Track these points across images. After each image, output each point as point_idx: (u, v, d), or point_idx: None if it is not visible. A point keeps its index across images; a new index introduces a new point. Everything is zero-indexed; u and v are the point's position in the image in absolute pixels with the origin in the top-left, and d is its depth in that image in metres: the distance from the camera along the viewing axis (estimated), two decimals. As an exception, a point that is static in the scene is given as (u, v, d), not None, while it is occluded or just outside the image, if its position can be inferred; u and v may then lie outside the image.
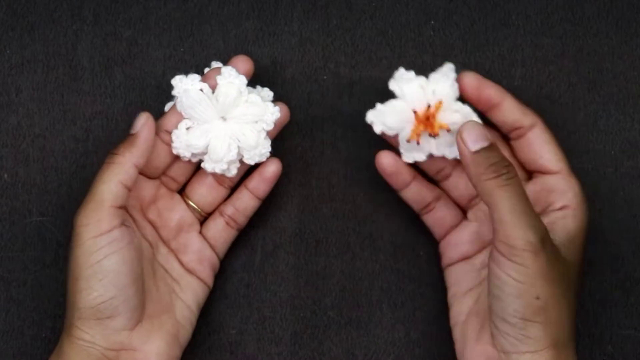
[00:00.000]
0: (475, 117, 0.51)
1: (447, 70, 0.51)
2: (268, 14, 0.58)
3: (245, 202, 0.54)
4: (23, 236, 0.56)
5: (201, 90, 0.51)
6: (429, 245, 0.56)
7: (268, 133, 0.52)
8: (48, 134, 0.57)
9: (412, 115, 0.51)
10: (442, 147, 0.52)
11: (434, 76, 0.51)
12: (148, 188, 0.53)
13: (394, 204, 0.56)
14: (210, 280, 0.54)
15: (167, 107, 0.55)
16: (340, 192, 0.57)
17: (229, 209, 0.55)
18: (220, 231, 0.55)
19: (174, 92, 0.52)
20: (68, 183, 0.57)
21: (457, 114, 0.51)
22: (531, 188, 0.51)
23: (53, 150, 0.57)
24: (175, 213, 0.54)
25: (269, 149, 0.52)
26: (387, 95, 0.57)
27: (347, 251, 0.56)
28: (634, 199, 0.56)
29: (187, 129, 0.52)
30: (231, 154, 0.52)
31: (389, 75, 0.57)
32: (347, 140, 0.57)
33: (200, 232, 0.55)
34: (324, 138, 0.57)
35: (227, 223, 0.55)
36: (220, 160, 0.52)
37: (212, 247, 0.54)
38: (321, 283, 0.56)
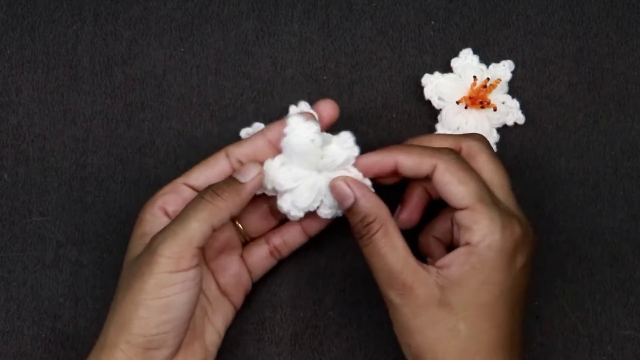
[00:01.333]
0: (519, 115, 0.56)
1: (507, 65, 0.56)
2: (268, 14, 0.58)
3: (295, 236, 0.54)
4: (23, 236, 0.56)
5: (313, 140, 0.49)
6: (429, 245, 0.56)
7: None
8: (48, 134, 0.57)
9: (462, 93, 0.55)
10: (479, 129, 0.55)
11: (494, 65, 0.57)
12: None
13: (394, 204, 0.56)
14: (240, 303, 0.54)
15: (244, 133, 0.55)
16: (340, 192, 0.57)
17: (276, 240, 0.54)
18: (262, 259, 0.54)
19: (285, 130, 0.49)
20: (68, 183, 0.57)
21: (503, 105, 0.56)
22: (448, 222, 0.51)
23: (53, 150, 0.57)
24: (222, 234, 0.53)
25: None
26: (388, 95, 0.57)
27: (347, 251, 0.56)
28: (634, 199, 0.56)
29: (281, 164, 0.50)
30: (314, 205, 0.51)
31: (389, 75, 0.58)
32: (347, 140, 0.57)
33: (241, 256, 0.54)
34: (324, 138, 0.57)
35: (271, 252, 0.54)
36: (301, 209, 0.51)
37: (249, 272, 0.54)
38: (321, 283, 0.56)
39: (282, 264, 0.56)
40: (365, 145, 0.55)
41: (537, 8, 0.58)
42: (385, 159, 0.50)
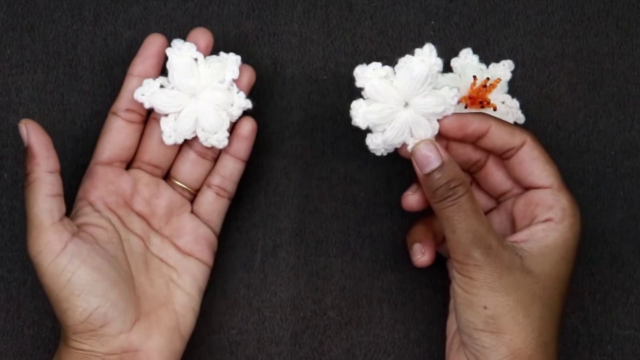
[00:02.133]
0: (519, 115, 0.55)
1: (507, 65, 0.56)
2: (268, 14, 0.58)
3: (230, 167, 0.54)
4: (23, 236, 0.56)
5: (196, 59, 0.52)
6: (429, 245, 0.56)
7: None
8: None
9: (462, 93, 0.54)
10: None
11: (494, 65, 0.56)
12: (126, 181, 0.53)
13: (394, 204, 0.56)
14: (209, 259, 0.54)
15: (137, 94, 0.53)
16: (340, 192, 0.57)
17: (215, 179, 0.54)
18: (212, 203, 0.54)
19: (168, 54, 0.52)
20: (68, 183, 0.56)
21: (503, 105, 0.55)
22: (522, 202, 0.51)
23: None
24: (162, 199, 0.54)
25: (227, 134, 0.53)
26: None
27: (347, 251, 0.56)
28: (634, 199, 0.56)
29: (161, 87, 0.52)
30: (400, 140, 0.51)
31: (389, 75, 0.57)
32: (347, 140, 0.57)
33: (192, 212, 0.54)
34: (324, 138, 0.57)
35: (217, 194, 0.54)
36: (214, 132, 0.52)
37: (206, 223, 0.54)
38: (321, 283, 0.56)
39: (282, 264, 0.56)
40: (365, 145, 0.54)
41: (537, 8, 0.58)
42: (480, 123, 0.50)
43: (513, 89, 0.57)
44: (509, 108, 0.56)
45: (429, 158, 0.49)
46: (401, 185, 0.56)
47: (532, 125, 0.57)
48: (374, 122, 0.50)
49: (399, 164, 0.56)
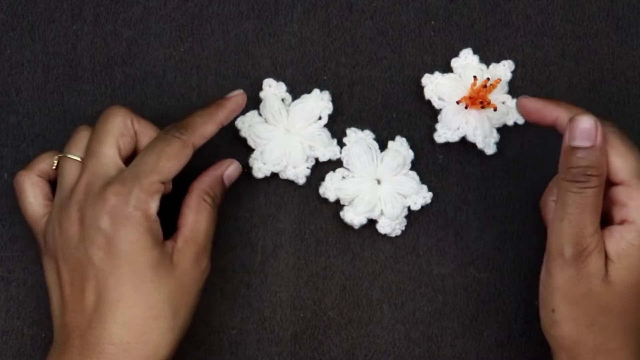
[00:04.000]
0: (519, 115, 0.53)
1: (507, 65, 0.56)
2: (268, 14, 0.58)
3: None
4: (23, 236, 0.56)
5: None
6: (429, 245, 0.56)
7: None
8: (48, 134, 0.57)
9: (462, 93, 0.55)
10: (478, 135, 0.55)
11: (495, 65, 0.57)
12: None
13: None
14: None
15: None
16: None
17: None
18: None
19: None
20: (68, 183, 0.57)
21: (503, 105, 0.56)
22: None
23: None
24: None
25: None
26: (388, 95, 0.57)
27: (347, 251, 0.56)
28: (634, 199, 0.56)
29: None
30: (376, 213, 0.55)
31: (389, 75, 0.58)
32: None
33: None
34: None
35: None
36: (294, 167, 0.56)
37: None
38: (321, 283, 0.56)
39: (282, 264, 0.56)
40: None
41: (537, 8, 0.58)
42: (549, 110, 0.49)
43: (513, 89, 0.57)
44: (509, 108, 0.56)
45: (585, 133, 0.46)
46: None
47: (532, 126, 0.57)
48: (343, 197, 0.55)
49: (399, 164, 0.57)
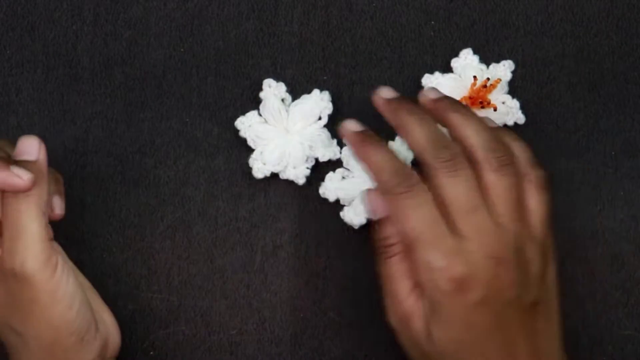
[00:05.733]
0: (519, 115, 0.56)
1: (507, 65, 0.56)
2: (268, 14, 0.58)
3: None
4: (23, 236, 0.56)
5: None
6: (429, 245, 0.56)
7: None
8: (48, 134, 0.57)
9: (462, 93, 0.55)
10: None
11: (495, 65, 0.57)
12: None
13: (394, 204, 0.56)
14: None
15: (238, 122, 0.56)
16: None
17: None
18: None
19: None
20: (68, 183, 0.56)
21: (503, 106, 0.56)
22: None
23: (53, 150, 0.57)
24: None
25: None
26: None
27: (347, 251, 0.56)
28: (634, 199, 0.56)
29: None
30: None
31: (389, 75, 0.58)
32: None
33: None
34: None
35: None
36: (293, 167, 0.56)
37: None
38: (321, 283, 0.56)
39: (282, 265, 0.56)
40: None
41: (537, 8, 0.58)
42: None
43: (513, 89, 0.57)
44: (509, 108, 0.56)
45: (374, 207, 0.50)
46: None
47: (532, 126, 0.57)
48: (343, 198, 0.55)
49: (399, 164, 0.56)
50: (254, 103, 0.56)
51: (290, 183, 0.56)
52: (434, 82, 0.56)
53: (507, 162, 0.48)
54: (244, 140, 0.56)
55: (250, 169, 0.56)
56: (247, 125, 0.56)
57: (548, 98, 0.57)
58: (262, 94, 0.56)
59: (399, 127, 0.50)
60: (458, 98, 0.55)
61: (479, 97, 0.55)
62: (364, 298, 0.56)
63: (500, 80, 0.56)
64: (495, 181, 0.47)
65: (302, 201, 0.57)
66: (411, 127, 0.49)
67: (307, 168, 0.56)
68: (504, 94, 0.56)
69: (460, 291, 0.46)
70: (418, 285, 0.48)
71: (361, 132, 0.50)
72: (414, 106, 0.50)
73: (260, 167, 0.55)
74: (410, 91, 0.57)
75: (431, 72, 0.57)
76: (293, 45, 0.58)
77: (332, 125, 0.56)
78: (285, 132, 0.56)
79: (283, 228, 0.57)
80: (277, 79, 0.57)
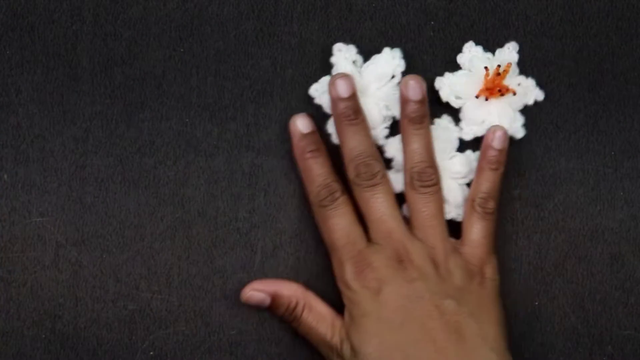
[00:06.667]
0: (537, 92, 0.56)
1: (512, 47, 0.57)
2: (268, 14, 0.58)
3: None
4: (23, 236, 0.56)
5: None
6: (429, 245, 0.56)
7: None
8: (48, 134, 0.57)
9: (477, 86, 0.56)
10: (504, 123, 0.55)
11: (500, 50, 0.57)
12: None
13: (394, 204, 0.56)
14: None
15: (313, 90, 0.57)
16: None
17: None
18: None
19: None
20: (68, 183, 0.57)
21: (520, 87, 0.56)
22: None
23: (53, 150, 0.57)
24: None
25: None
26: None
27: (347, 251, 0.56)
28: (634, 199, 0.56)
29: None
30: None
31: (389, 75, 0.57)
32: (347, 141, 0.57)
33: None
34: (324, 138, 0.57)
35: None
36: (373, 128, 0.56)
37: None
38: (321, 284, 0.56)
39: (282, 265, 0.56)
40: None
41: (537, 8, 0.58)
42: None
43: (524, 69, 0.57)
44: (525, 88, 0.56)
45: (258, 302, 0.55)
46: (401, 186, 0.56)
47: (532, 126, 0.57)
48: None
49: (399, 164, 0.56)
50: (326, 68, 0.56)
51: (290, 183, 0.56)
52: (446, 83, 0.56)
53: (431, 184, 0.53)
54: (319, 107, 0.56)
55: (250, 169, 0.56)
56: (321, 92, 0.56)
57: (548, 98, 0.57)
58: (332, 59, 0.56)
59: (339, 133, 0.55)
60: (474, 93, 0.55)
61: (496, 86, 0.55)
62: (364, 298, 0.56)
63: (511, 64, 0.56)
64: (413, 197, 0.53)
65: (302, 201, 0.57)
66: (345, 138, 0.54)
67: (386, 128, 0.56)
68: (517, 76, 0.56)
69: (370, 290, 0.51)
70: (335, 318, 0.53)
71: (305, 138, 0.54)
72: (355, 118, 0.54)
73: (333, 132, 0.55)
74: (410, 91, 0.57)
75: (431, 72, 0.57)
76: (293, 45, 0.58)
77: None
78: (359, 94, 0.55)
79: (283, 228, 0.56)
80: (277, 79, 0.57)
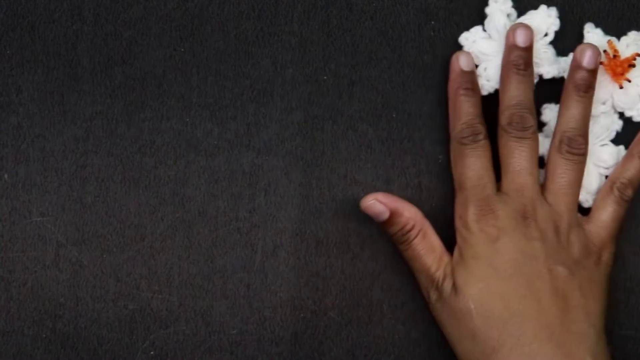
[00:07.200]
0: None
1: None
2: (268, 14, 0.58)
3: None
4: (23, 236, 0.56)
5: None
6: (429, 245, 0.56)
7: None
8: (48, 134, 0.57)
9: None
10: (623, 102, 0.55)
11: (625, 37, 0.56)
12: None
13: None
14: None
15: (462, 38, 0.57)
16: (340, 192, 0.57)
17: None
18: None
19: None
20: (68, 183, 0.57)
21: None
22: None
23: (53, 150, 0.57)
24: None
25: None
26: (388, 95, 0.57)
27: (347, 251, 0.56)
28: (634, 199, 0.56)
29: None
30: None
31: (389, 75, 0.58)
32: (347, 140, 0.57)
33: None
34: (324, 138, 0.57)
35: None
36: None
37: None
38: (321, 283, 0.56)
39: (282, 264, 0.56)
40: (366, 146, 0.55)
41: (537, 8, 0.58)
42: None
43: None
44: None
45: (378, 212, 0.53)
46: (401, 186, 0.56)
47: (532, 125, 0.57)
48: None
49: (399, 164, 0.56)
50: (479, 18, 0.57)
51: (290, 183, 0.56)
52: (470, 39, 0.56)
53: (578, 153, 0.52)
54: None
55: (250, 169, 0.56)
56: (472, 41, 0.56)
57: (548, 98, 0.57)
58: (487, 9, 0.56)
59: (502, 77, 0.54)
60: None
61: (619, 68, 0.55)
62: (364, 298, 0.56)
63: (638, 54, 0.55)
64: (557, 161, 0.53)
65: (302, 201, 0.57)
66: (509, 86, 0.53)
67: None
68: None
69: (488, 236, 0.51)
70: (444, 253, 0.53)
71: (464, 75, 0.54)
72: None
73: (484, 83, 0.55)
74: (410, 91, 0.57)
75: (431, 72, 0.57)
76: (293, 45, 0.58)
77: (557, 43, 0.56)
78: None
79: (283, 228, 0.57)
80: (277, 78, 0.57)
